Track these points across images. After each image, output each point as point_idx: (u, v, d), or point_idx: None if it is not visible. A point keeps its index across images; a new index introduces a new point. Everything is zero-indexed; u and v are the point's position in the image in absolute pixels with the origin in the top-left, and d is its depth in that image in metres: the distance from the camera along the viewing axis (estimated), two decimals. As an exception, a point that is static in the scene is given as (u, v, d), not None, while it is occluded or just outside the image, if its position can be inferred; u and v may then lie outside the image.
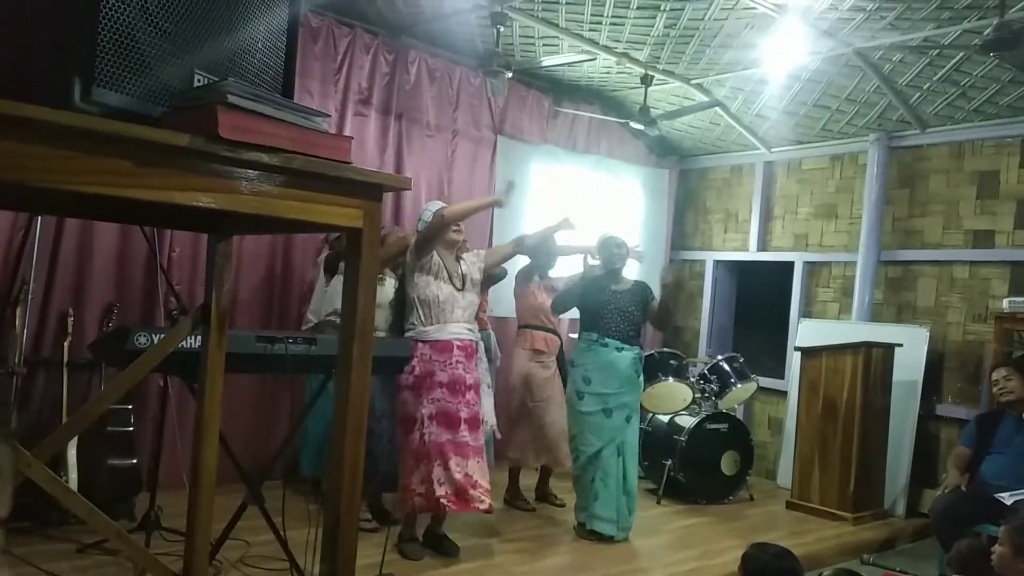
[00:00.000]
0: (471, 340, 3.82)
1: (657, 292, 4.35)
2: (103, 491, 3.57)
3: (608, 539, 4.15)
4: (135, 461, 3.79)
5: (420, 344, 3.65)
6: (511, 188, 3.93)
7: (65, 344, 3.86)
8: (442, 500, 3.50)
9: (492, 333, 5.01)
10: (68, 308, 3.99)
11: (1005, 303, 4.89)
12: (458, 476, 3.53)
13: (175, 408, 3.98)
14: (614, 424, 4.20)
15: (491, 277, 4.71)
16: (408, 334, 3.71)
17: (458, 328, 3.74)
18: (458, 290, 3.76)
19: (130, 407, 3.83)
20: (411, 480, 3.58)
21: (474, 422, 3.70)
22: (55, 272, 4.04)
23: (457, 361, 3.68)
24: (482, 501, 3.58)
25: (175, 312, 4.01)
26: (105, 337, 3.48)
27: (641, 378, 4.39)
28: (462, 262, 3.88)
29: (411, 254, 3.76)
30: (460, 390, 3.65)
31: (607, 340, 4.23)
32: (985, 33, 3.66)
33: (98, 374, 3.98)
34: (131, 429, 3.83)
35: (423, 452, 3.55)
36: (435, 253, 3.75)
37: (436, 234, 3.72)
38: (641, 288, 4.36)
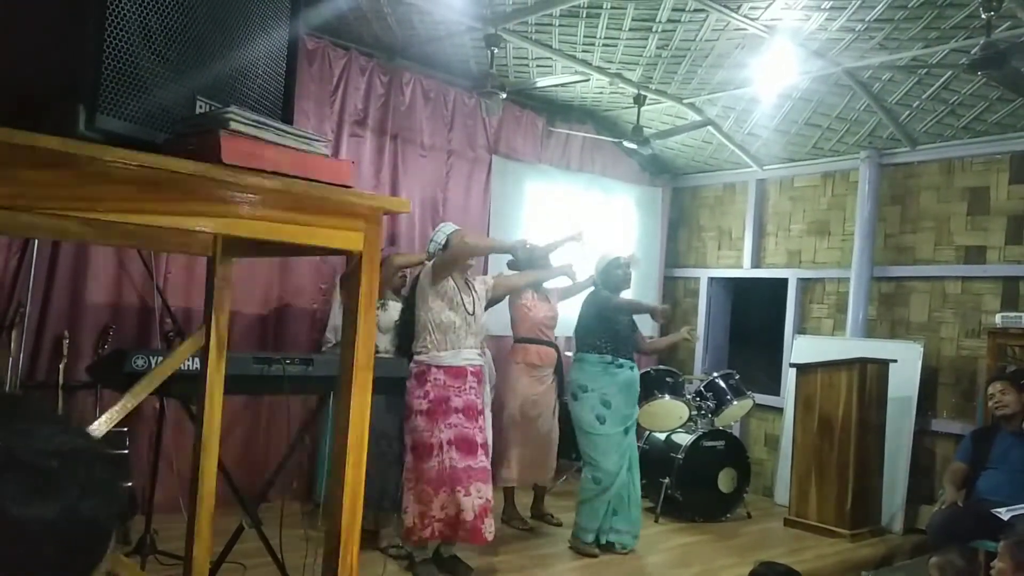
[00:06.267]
0: (481, 365, 3.84)
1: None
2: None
3: (624, 551, 4.24)
4: (130, 484, 3.77)
5: (434, 369, 3.61)
6: (525, 245, 4.05)
7: (61, 366, 3.84)
8: (461, 529, 3.49)
9: (488, 352, 5.00)
10: (64, 330, 3.98)
11: (998, 318, 4.93)
12: (480, 502, 3.51)
13: (171, 430, 3.95)
14: (629, 441, 4.29)
15: (491, 300, 4.74)
16: (419, 358, 3.65)
17: (471, 354, 3.73)
18: (470, 315, 3.75)
19: (124, 429, 3.80)
20: (431, 506, 3.52)
21: (485, 447, 3.73)
22: (51, 294, 4.04)
23: (470, 387, 3.67)
24: (491, 532, 3.58)
25: (171, 334, 4.00)
26: (103, 360, 3.47)
27: None
28: (472, 288, 3.86)
29: (426, 276, 3.74)
30: (473, 415, 3.66)
31: (621, 361, 4.28)
32: (972, 52, 3.70)
33: (93, 396, 3.96)
34: (126, 451, 3.81)
35: (444, 479, 3.51)
36: (450, 278, 3.73)
37: (456, 260, 3.72)
38: None
